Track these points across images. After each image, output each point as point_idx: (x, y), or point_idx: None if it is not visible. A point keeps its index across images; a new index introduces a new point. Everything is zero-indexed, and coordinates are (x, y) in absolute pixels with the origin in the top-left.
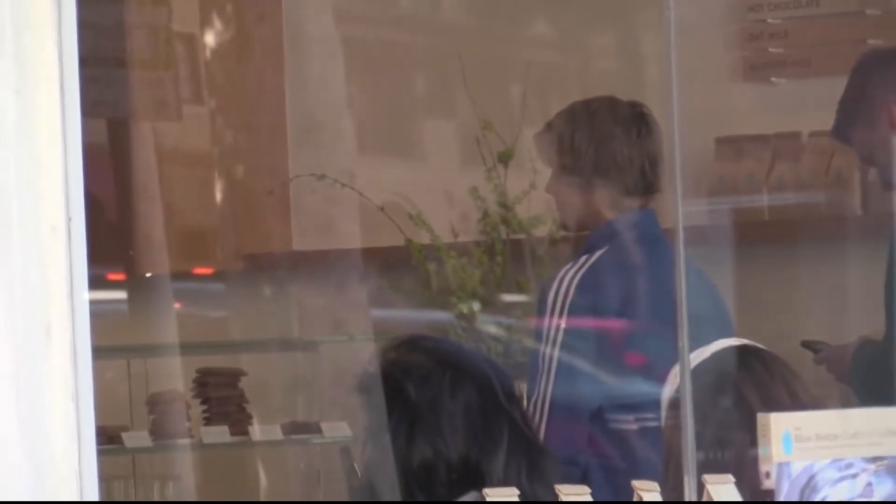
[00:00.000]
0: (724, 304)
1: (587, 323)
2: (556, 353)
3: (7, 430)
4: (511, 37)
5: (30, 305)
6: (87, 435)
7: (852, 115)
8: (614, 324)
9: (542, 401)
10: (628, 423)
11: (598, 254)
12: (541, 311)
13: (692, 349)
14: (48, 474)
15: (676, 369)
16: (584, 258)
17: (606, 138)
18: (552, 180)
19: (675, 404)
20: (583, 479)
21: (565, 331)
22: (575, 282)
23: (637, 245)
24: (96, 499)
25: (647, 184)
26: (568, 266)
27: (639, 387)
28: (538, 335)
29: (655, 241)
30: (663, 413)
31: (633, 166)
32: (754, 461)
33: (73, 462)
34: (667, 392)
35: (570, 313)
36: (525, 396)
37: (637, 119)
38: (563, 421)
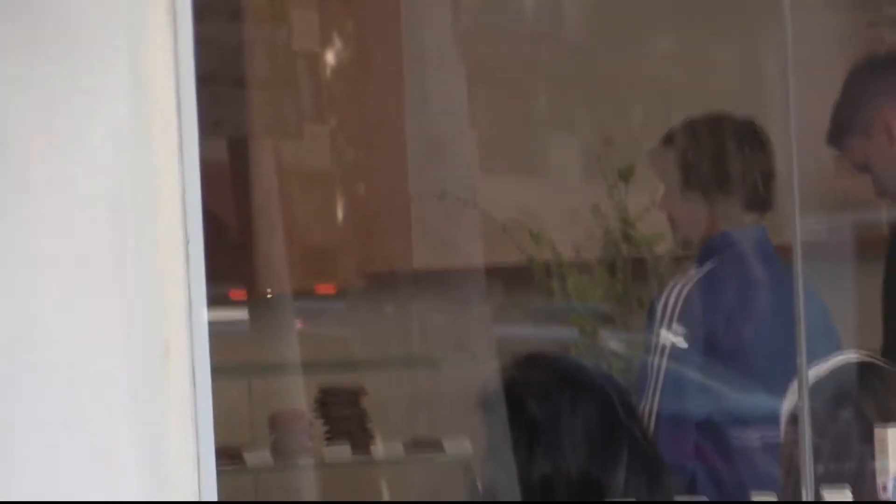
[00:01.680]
0: (832, 320)
1: (693, 334)
2: (664, 363)
3: (126, 451)
4: (630, 53)
5: (148, 325)
6: (206, 454)
7: (847, 122)
8: (721, 336)
9: (649, 410)
10: (739, 435)
11: (706, 267)
12: (650, 322)
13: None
14: (168, 494)
15: (795, 384)
16: (693, 271)
17: (723, 154)
18: (668, 196)
19: (794, 418)
20: (689, 487)
21: (672, 341)
22: (683, 294)
23: (747, 259)
24: None
25: (759, 199)
26: (677, 278)
27: (746, 399)
28: (647, 346)
29: (766, 255)
30: (783, 426)
31: (747, 182)
32: (872, 474)
33: (193, 482)
34: (786, 405)
35: (678, 324)
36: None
37: (750, 135)
38: (668, 429)
